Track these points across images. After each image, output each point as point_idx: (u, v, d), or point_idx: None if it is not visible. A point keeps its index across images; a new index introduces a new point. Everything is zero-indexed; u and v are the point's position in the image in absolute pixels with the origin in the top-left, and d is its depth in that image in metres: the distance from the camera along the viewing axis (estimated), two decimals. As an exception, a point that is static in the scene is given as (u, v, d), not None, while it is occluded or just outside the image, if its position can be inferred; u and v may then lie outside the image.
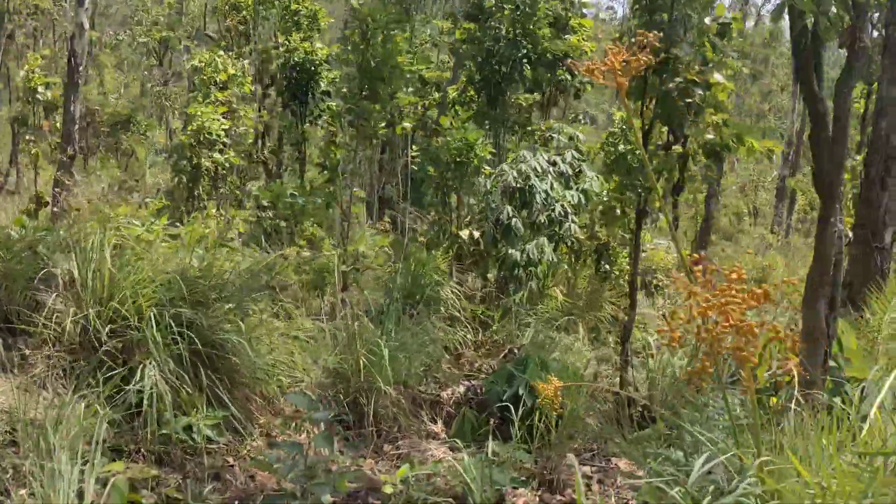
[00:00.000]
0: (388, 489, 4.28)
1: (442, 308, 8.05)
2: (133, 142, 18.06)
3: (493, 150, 8.91)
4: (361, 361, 5.42)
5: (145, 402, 4.47)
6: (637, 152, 7.20)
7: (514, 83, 9.35)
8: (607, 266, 9.17)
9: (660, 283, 10.18)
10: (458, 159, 8.18)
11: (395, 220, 11.61)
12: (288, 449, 3.70)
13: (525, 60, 9.04)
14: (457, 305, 8.07)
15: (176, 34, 20.11)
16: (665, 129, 6.45)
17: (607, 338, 8.64)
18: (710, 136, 5.91)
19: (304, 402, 3.82)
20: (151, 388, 4.51)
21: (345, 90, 6.94)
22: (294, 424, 5.39)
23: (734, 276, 1.64)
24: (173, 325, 4.76)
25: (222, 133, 10.54)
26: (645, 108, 6.10)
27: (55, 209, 9.06)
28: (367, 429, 5.48)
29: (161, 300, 4.87)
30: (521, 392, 5.44)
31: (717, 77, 6.00)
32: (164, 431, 4.57)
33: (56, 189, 9.61)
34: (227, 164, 10.55)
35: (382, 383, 5.40)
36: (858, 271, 8.11)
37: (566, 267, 9.28)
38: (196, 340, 4.86)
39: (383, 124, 7.62)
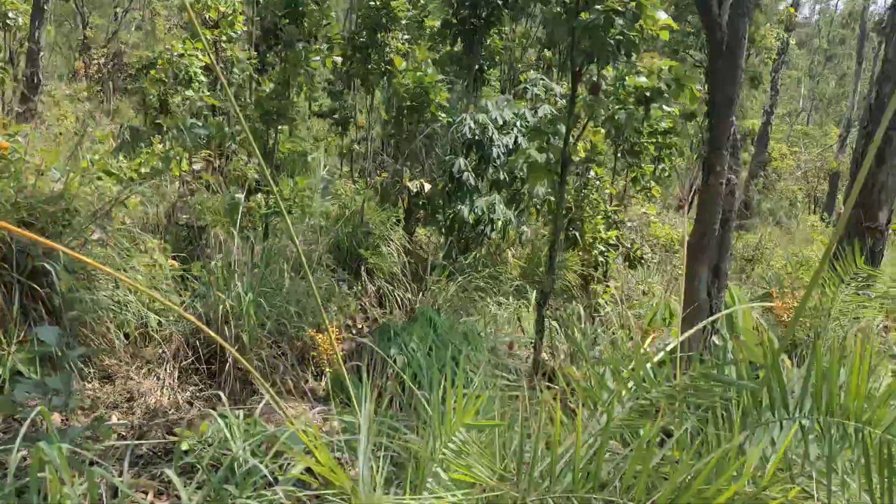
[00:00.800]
0: (183, 446, 3.78)
1: (382, 264, 7.52)
2: (149, 84, 17.81)
3: (463, 99, 8.21)
4: (221, 309, 4.90)
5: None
6: (623, 109, 6.51)
7: (493, 27, 8.62)
8: (576, 232, 8.42)
9: (643, 255, 9.41)
10: (410, 103, 7.53)
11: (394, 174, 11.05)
12: (31, 389, 3.21)
13: (501, 3, 8.27)
14: (396, 261, 7.52)
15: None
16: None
17: (565, 304, 7.97)
18: (642, 80, 5.17)
19: (52, 336, 3.33)
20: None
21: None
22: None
23: None
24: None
25: (198, 71, 10.11)
26: (575, 46, 5.39)
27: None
28: (224, 380, 4.99)
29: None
30: (392, 352, 4.88)
31: (661, 15, 5.25)
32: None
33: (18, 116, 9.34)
34: (199, 103, 10.10)
35: (242, 334, 4.89)
36: (843, 253, 7.27)
37: (527, 229, 8.59)
38: (20, 269, 4.42)
39: (317, 57, 7.01)
